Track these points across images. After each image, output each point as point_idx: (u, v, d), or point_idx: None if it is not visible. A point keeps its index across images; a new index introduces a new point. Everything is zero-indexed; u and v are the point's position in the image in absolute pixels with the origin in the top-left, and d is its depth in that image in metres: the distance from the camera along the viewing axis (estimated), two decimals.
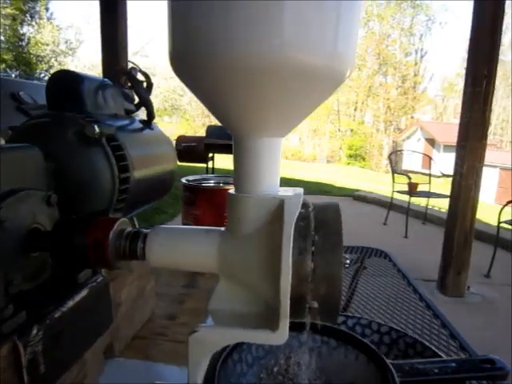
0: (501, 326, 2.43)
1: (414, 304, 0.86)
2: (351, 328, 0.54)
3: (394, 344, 0.52)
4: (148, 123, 0.73)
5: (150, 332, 0.66)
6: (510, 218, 3.25)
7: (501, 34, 2.65)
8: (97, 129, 0.54)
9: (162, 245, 0.39)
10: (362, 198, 6.37)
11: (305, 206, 0.35)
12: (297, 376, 0.47)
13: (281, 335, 0.35)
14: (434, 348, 0.48)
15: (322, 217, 0.35)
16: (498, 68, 2.72)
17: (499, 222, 3.27)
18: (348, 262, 0.37)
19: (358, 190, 6.89)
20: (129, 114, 0.74)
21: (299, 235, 0.33)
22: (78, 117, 0.57)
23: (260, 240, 0.36)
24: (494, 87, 2.69)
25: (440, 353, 0.49)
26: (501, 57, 2.88)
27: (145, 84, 0.72)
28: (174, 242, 0.39)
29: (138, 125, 0.72)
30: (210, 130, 4.45)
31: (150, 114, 0.73)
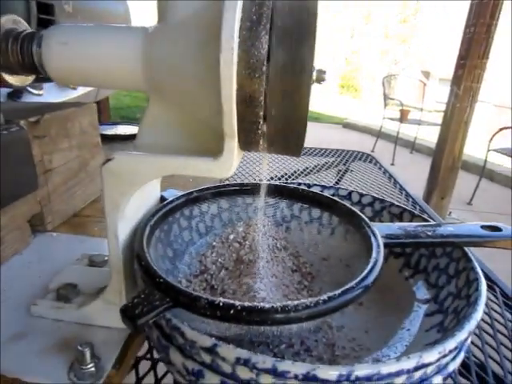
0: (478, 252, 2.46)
1: (399, 201, 0.78)
2: None
3: (377, 216, 0.44)
4: None
5: (95, 211, 0.57)
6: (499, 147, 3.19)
7: None
8: None
9: (66, 44, 0.28)
10: (352, 125, 6.20)
11: None
12: (257, 244, 0.38)
13: (225, 163, 0.25)
14: (426, 217, 0.40)
15: None
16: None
17: (488, 151, 3.20)
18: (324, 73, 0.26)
19: (347, 119, 6.71)
20: None
21: (252, 2, 0.22)
22: None
23: (199, 24, 0.25)
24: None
25: None
26: None
27: None
28: (82, 41, 0.28)
29: None
30: None
31: None
